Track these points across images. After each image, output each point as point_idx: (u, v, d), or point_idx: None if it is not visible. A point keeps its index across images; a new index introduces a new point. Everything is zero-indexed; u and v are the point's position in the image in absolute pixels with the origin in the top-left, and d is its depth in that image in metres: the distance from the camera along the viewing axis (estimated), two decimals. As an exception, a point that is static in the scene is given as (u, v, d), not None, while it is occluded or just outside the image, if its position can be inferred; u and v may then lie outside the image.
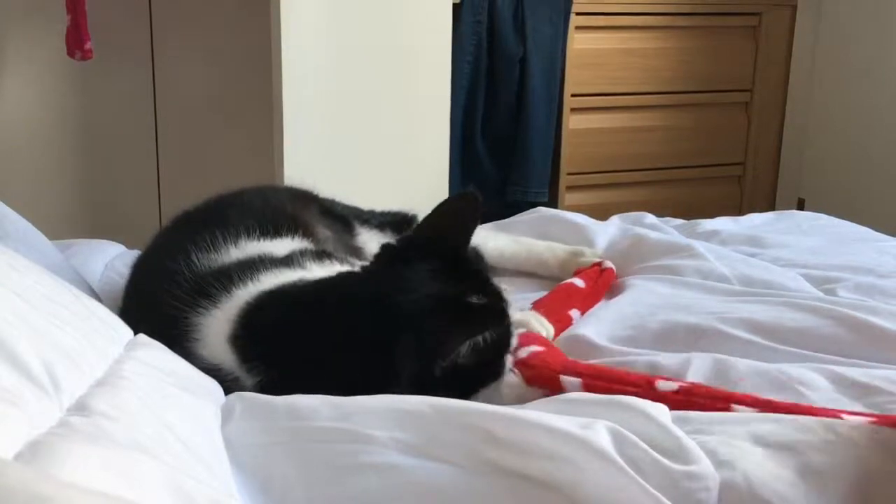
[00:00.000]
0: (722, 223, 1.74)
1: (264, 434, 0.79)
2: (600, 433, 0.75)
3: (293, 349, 0.92)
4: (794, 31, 3.06)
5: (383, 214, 1.41)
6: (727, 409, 0.91)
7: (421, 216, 1.38)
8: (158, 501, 0.58)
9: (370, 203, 1.43)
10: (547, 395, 0.97)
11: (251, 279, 0.96)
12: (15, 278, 0.77)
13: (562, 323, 1.24)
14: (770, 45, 3.05)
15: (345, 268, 1.03)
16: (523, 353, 1.05)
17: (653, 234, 1.56)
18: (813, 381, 1.02)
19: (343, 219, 1.32)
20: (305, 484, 0.74)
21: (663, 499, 0.71)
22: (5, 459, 0.54)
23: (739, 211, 3.01)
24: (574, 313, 1.27)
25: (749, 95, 3.08)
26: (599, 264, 1.41)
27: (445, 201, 1.06)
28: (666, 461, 0.74)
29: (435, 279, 0.94)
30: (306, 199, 1.31)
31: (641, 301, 1.30)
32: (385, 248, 1.02)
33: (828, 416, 0.87)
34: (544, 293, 1.35)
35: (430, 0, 2.33)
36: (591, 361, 1.10)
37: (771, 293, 1.30)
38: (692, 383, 0.98)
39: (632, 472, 0.72)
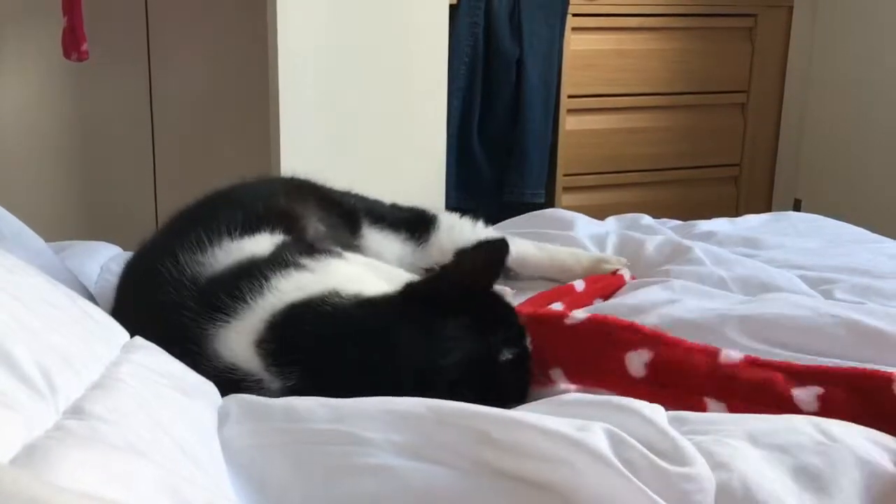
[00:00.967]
0: (718, 224, 1.74)
1: (261, 436, 0.78)
2: (597, 435, 0.75)
3: (330, 363, 0.93)
4: (790, 33, 3.07)
5: (401, 210, 1.40)
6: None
7: (439, 216, 1.38)
8: (154, 504, 0.58)
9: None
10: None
11: (266, 287, 0.98)
12: (10, 280, 0.77)
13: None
14: (766, 46, 3.05)
15: (341, 264, 1.04)
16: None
17: (650, 244, 1.56)
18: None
19: (351, 214, 1.31)
20: (301, 486, 0.74)
21: (660, 501, 0.71)
22: (1, 463, 0.54)
23: (736, 212, 3.01)
24: (556, 307, 1.28)
25: (745, 97, 3.08)
26: (616, 271, 1.42)
27: (477, 248, 1.06)
28: (662, 463, 0.74)
29: (469, 336, 0.96)
30: (305, 190, 1.30)
31: (640, 299, 1.30)
32: (413, 289, 1.01)
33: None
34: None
35: (427, 1, 2.33)
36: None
37: (768, 295, 1.30)
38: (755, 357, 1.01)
39: (628, 474, 0.72)
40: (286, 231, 1.12)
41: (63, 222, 2.64)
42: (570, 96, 2.82)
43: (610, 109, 2.91)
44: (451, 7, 2.45)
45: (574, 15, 2.77)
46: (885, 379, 0.93)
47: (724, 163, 3.11)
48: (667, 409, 0.85)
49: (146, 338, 0.87)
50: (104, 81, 2.61)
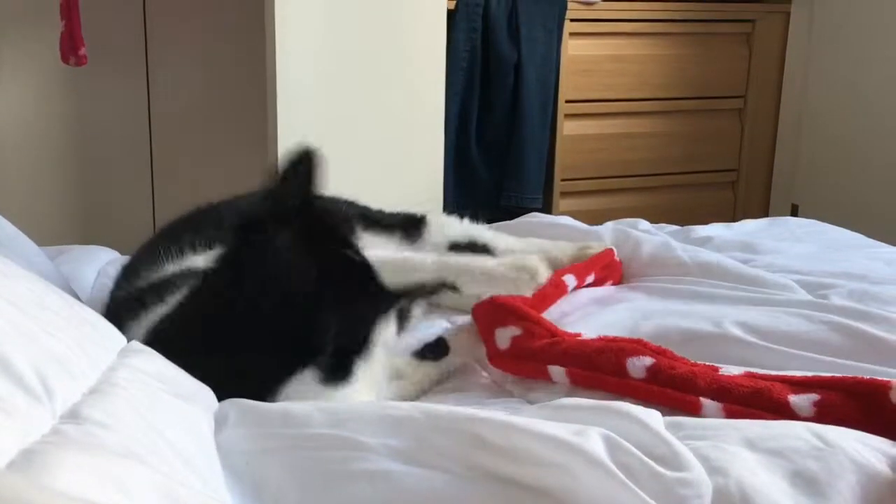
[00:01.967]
0: (715, 229, 1.75)
1: (257, 441, 0.79)
2: (593, 439, 0.75)
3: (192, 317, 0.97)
4: (788, 39, 3.07)
5: (392, 214, 1.42)
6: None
7: (428, 216, 1.42)
8: (151, 509, 0.58)
9: (365, 209, 1.43)
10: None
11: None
12: (6, 285, 0.77)
13: (559, 288, 1.29)
14: (763, 51, 3.06)
15: None
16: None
17: (645, 249, 1.56)
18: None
19: (344, 221, 1.32)
20: (298, 491, 0.74)
21: (656, 506, 0.71)
22: (-3, 467, 0.54)
23: (733, 217, 3.02)
24: (568, 279, 1.31)
25: (742, 102, 3.08)
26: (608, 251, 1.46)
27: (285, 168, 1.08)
28: (659, 468, 0.74)
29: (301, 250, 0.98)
30: None
31: (635, 308, 1.30)
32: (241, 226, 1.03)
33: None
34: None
35: (425, 6, 2.34)
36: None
37: (765, 299, 1.30)
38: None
39: (625, 479, 0.72)
40: None
41: (60, 226, 2.64)
42: (567, 101, 2.82)
43: (607, 114, 2.91)
44: (449, 12, 2.46)
45: (572, 20, 2.77)
46: (882, 387, 0.93)
47: (721, 168, 3.12)
48: (662, 410, 0.86)
49: None
50: (102, 86, 2.61)
